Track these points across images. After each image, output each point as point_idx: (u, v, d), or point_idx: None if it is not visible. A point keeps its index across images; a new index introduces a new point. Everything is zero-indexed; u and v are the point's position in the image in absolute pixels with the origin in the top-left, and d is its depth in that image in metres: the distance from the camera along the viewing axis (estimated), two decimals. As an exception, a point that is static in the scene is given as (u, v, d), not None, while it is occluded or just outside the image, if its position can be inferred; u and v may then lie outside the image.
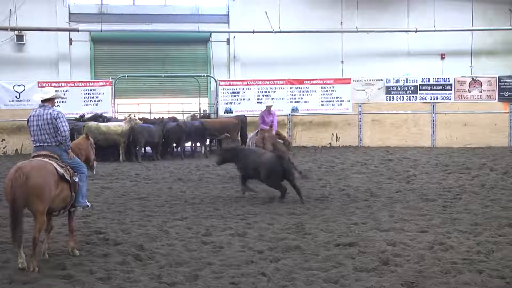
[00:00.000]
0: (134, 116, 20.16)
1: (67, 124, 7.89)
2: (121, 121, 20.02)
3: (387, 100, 23.09)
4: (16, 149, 21.09)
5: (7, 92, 21.34)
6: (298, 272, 6.95)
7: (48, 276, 6.78)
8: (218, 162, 12.98)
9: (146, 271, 7.01)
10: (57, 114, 7.78)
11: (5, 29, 22.54)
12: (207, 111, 24.09)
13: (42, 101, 7.93)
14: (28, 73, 22.78)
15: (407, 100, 23.06)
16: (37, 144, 7.75)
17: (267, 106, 16.05)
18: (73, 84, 21.90)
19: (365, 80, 23.14)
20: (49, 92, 8.04)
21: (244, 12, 24.71)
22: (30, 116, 7.86)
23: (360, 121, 23.14)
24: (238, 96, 22.72)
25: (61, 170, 7.46)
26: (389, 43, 25.43)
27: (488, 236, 8.58)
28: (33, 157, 7.61)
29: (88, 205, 8.23)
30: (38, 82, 21.25)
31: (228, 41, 24.96)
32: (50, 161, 7.45)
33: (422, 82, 23.10)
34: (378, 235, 8.72)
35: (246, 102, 22.63)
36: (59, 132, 7.71)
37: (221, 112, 22.60)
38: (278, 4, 24.12)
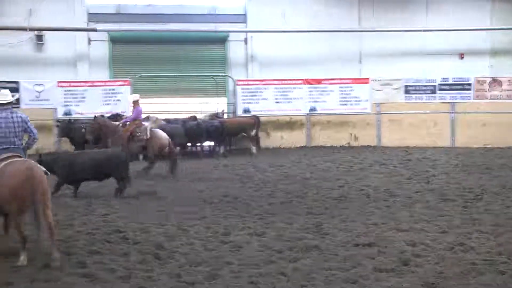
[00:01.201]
0: (157, 117, 20.17)
1: None
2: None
3: (405, 100, 22.95)
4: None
5: (27, 92, 21.56)
6: (317, 272, 6.93)
7: (69, 274, 6.83)
8: None
9: (165, 270, 7.04)
10: (27, 117, 8.06)
11: (25, 29, 22.72)
12: (224, 111, 24.12)
13: (2, 104, 7.88)
14: (48, 73, 22.92)
15: (426, 100, 22.90)
16: (3, 146, 7.70)
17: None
18: (92, 84, 22.09)
19: (384, 80, 23.01)
20: (8, 95, 8.07)
21: (261, 12, 24.66)
22: None
23: (378, 121, 23.01)
24: (256, 95, 22.72)
25: (43, 169, 7.69)
26: (408, 42, 25.19)
27: (510, 237, 8.49)
28: (2, 159, 7.46)
29: None
30: (58, 82, 21.50)
31: (245, 40, 24.94)
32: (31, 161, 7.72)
33: (441, 82, 22.92)
34: (397, 236, 8.67)
35: (264, 102, 22.63)
36: (32, 134, 8.02)
37: (239, 112, 22.63)
38: (296, 4, 24.11)
